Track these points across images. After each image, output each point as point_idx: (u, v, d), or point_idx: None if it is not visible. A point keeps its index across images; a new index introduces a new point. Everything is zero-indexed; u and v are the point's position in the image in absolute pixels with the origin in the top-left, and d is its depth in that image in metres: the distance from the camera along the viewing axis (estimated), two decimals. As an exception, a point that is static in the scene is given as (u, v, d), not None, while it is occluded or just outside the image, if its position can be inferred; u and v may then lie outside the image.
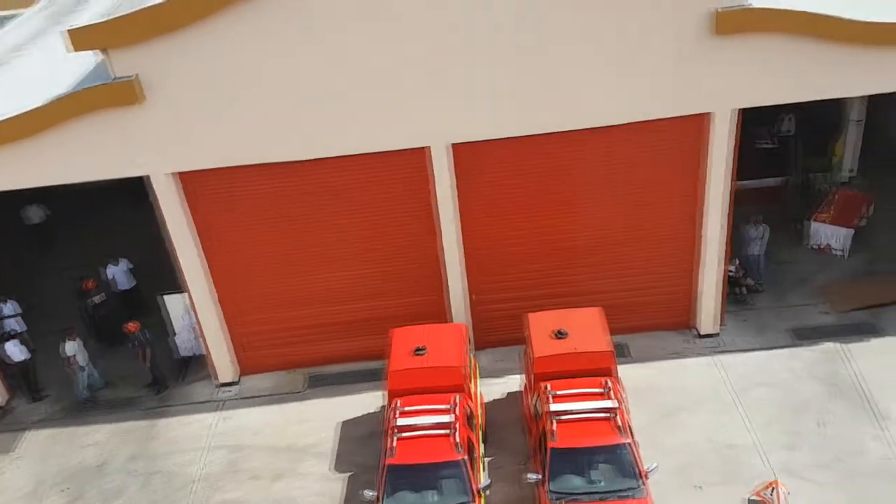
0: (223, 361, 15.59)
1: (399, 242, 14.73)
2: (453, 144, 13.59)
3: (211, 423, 15.09)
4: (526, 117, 13.22)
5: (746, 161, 18.94)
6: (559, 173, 14.18)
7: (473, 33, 12.43)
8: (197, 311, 14.98)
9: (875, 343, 14.83)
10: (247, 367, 15.91)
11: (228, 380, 15.76)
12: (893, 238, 17.13)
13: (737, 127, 13.53)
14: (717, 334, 15.52)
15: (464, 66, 12.69)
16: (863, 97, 17.50)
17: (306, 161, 13.55)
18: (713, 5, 12.10)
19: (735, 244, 15.80)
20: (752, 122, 18.80)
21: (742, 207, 16.61)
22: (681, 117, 13.40)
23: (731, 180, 14.19)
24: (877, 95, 15.95)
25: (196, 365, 16.20)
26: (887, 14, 12.50)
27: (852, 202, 17.43)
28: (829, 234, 16.96)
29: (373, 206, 14.33)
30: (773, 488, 12.01)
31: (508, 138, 13.52)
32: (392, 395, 12.83)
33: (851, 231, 16.83)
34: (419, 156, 13.70)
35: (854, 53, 12.52)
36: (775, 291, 16.35)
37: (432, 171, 13.78)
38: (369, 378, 15.09)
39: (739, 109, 13.30)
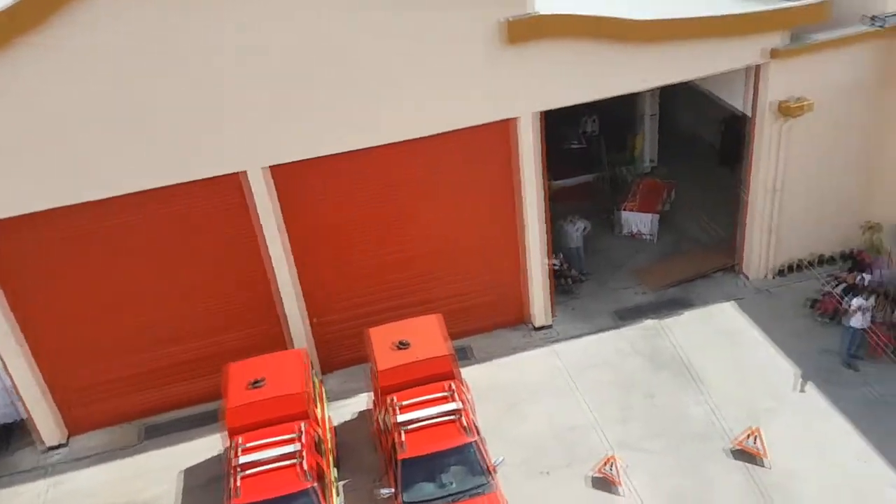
0: (47, 423, 14.40)
1: (226, 274, 14.27)
2: (271, 167, 13.40)
3: (41, 491, 13.88)
4: (341, 134, 13.29)
5: (560, 162, 20.31)
6: (385, 187, 14.36)
7: (279, 49, 12.33)
8: (10, 372, 13.75)
9: (687, 315, 16.18)
10: (75, 425, 14.77)
11: (55, 442, 14.57)
12: (693, 218, 18.80)
13: (541, 129, 14.33)
14: (550, 325, 16.31)
15: (270, 84, 12.55)
16: (654, 93, 19.14)
17: (105, 200, 12.82)
18: (504, 15, 12.78)
19: (557, 239, 16.78)
20: (561, 124, 20.15)
21: (560, 204, 17.69)
22: (490, 124, 13.98)
23: (543, 180, 14.99)
24: (667, 91, 17.58)
25: (20, 431, 14.85)
26: (666, 12, 13.74)
27: (655, 190, 18.98)
28: (638, 221, 18.35)
29: (191, 239, 13.79)
30: (611, 463, 12.78)
31: (328, 156, 13.52)
32: (232, 434, 12.36)
33: (657, 216, 18.29)
34: (233, 182, 13.37)
35: (639, 51, 13.65)
36: (597, 279, 17.43)
37: (251, 196, 13.50)
38: (210, 420, 14.44)
39: (541, 112, 14.11)
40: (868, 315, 13.88)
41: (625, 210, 18.49)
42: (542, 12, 12.83)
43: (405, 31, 12.67)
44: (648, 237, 18.39)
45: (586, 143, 20.24)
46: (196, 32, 11.92)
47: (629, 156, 20.43)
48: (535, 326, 16.25)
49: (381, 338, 13.59)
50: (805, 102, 14.38)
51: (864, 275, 14.78)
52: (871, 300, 13.86)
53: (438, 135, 13.77)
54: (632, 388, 14.66)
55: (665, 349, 15.43)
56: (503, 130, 14.21)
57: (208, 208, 13.59)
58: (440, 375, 13.03)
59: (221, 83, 12.34)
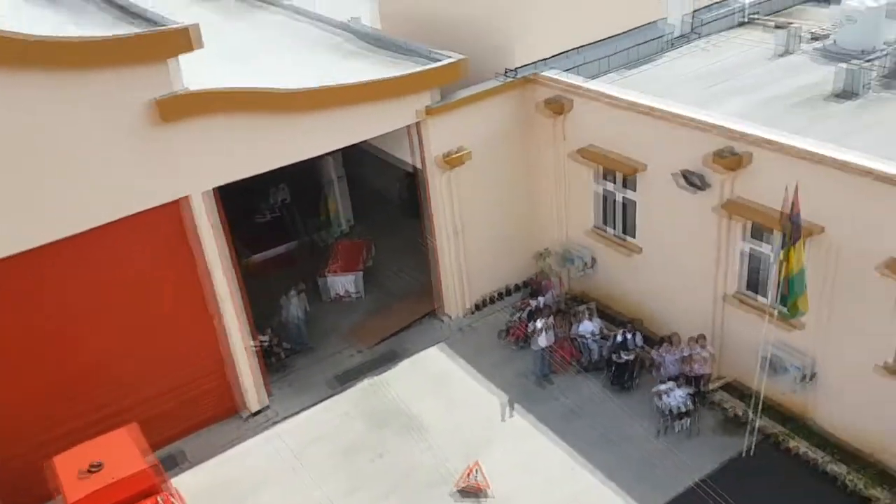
0: None
1: None
2: None
3: None
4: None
5: (256, 234, 19.90)
6: (55, 291, 12.81)
7: None
8: None
9: (401, 366, 16.50)
10: None
11: None
12: (395, 271, 19.40)
13: (218, 206, 13.81)
14: (267, 407, 15.61)
15: None
16: (336, 156, 19.56)
17: None
18: (152, 95, 12.16)
19: (275, 313, 16.60)
20: (252, 195, 19.76)
21: (264, 278, 17.44)
22: (159, 207, 13.17)
23: (233, 257, 14.42)
24: (351, 151, 18.03)
25: None
26: (325, 79, 14.06)
27: (354, 249, 19.30)
28: (343, 283, 18.46)
29: None
30: (475, 470, 13.14)
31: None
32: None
33: (360, 274, 18.54)
34: None
35: (298, 120, 13.79)
36: (312, 347, 17.14)
37: None
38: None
39: (213, 189, 13.60)
40: (550, 333, 15.23)
41: (328, 274, 18.50)
42: (192, 89, 12.42)
43: (46, 119, 11.49)
44: (355, 296, 18.56)
45: (279, 212, 20.04)
46: None
47: (324, 220, 20.61)
48: (252, 412, 15.42)
49: (68, 464, 11.93)
50: (464, 152, 15.61)
51: (540, 298, 16.26)
52: (550, 320, 15.24)
53: (101, 227, 12.60)
54: (358, 452, 14.47)
55: (386, 405, 15.51)
56: (175, 212, 13.44)
57: None
58: (144, 492, 11.74)
59: None
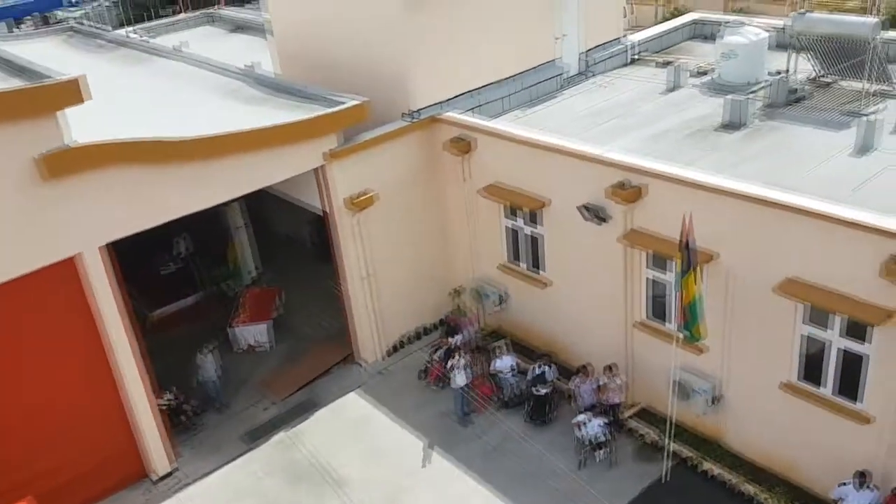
0: None
1: None
2: None
3: None
4: None
5: (160, 287, 19.14)
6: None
7: None
8: None
9: (317, 416, 16.00)
10: None
11: None
12: (307, 318, 18.96)
13: (113, 261, 13.17)
14: (175, 469, 14.81)
15: None
16: (239, 203, 19.08)
17: None
18: (37, 151, 11.53)
19: (192, 374, 16.01)
20: (154, 247, 19.01)
21: (171, 332, 16.73)
22: (50, 266, 12.42)
23: (130, 314, 13.73)
24: (259, 197, 17.61)
25: None
26: (223, 125, 13.71)
27: (263, 298, 18.77)
28: (252, 333, 17.87)
29: None
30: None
31: None
32: None
33: (269, 323, 18.00)
34: None
35: (197, 168, 13.41)
36: (227, 405, 16.43)
37: None
38: None
39: (108, 245, 12.97)
40: (467, 371, 15.15)
41: (235, 325, 17.88)
42: (80, 142, 11.87)
43: None
44: (266, 347, 17.99)
45: (182, 263, 19.33)
46: None
47: (231, 269, 20.01)
48: (160, 476, 14.60)
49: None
50: (370, 194, 15.51)
51: (455, 337, 16.19)
52: (466, 358, 15.17)
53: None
54: (273, 512, 13.91)
55: (301, 459, 14.97)
56: (68, 270, 12.73)
57: None
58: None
59: None
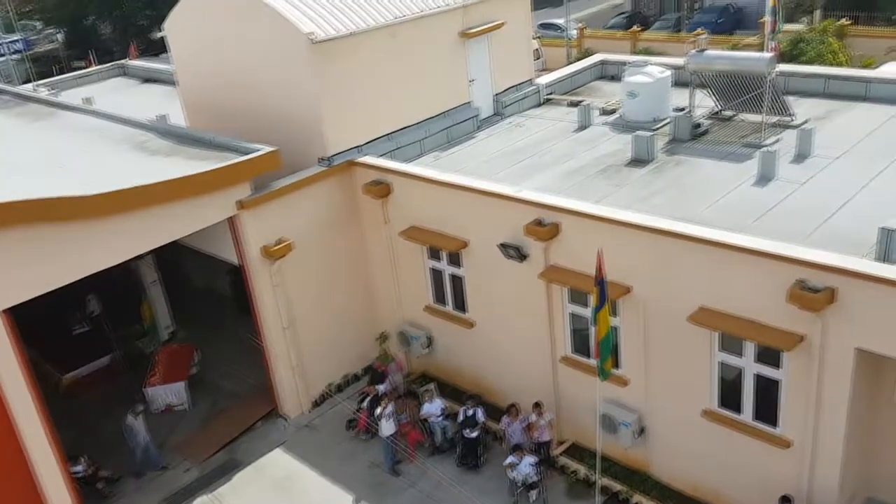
0: None
1: None
2: None
3: None
4: None
5: (69, 350, 18.21)
6: None
7: None
8: None
9: (238, 477, 15.30)
10: None
11: None
12: (226, 374, 18.27)
13: (10, 327, 12.40)
14: (87, 546, 13.95)
15: None
16: (149, 259, 18.40)
17: None
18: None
19: (125, 436, 15.28)
20: (62, 308, 18.12)
21: (83, 395, 16.26)
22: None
23: (32, 381, 12.91)
24: (172, 250, 17.03)
25: None
26: (122, 182, 13.20)
27: (179, 356, 18.01)
28: (167, 393, 17.08)
29: None
30: None
31: None
32: None
33: (182, 384, 17.23)
34: None
35: (96, 225, 12.87)
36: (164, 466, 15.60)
37: None
38: None
39: (5, 310, 12.23)
40: (393, 420, 14.82)
41: (150, 386, 17.08)
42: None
43: None
44: (182, 407, 17.21)
45: (95, 322, 18.44)
46: None
47: (145, 326, 19.21)
48: (69, 553, 13.68)
49: None
50: (285, 243, 15.19)
51: (378, 386, 15.87)
52: (391, 406, 14.84)
53: None
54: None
55: (218, 523, 14.32)
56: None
57: None
58: None
59: None
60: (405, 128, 17.24)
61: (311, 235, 15.83)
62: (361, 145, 16.41)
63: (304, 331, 16.24)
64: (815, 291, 10.31)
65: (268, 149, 14.81)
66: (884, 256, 10.86)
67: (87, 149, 16.69)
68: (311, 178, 15.61)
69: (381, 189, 15.65)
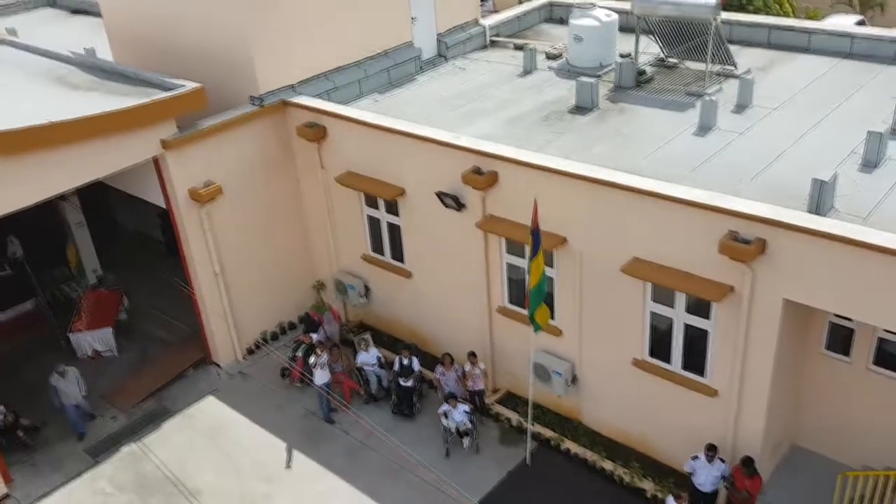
0: None
1: None
2: None
3: None
4: None
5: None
6: None
7: None
8: None
9: (168, 425, 15.00)
10: None
11: None
12: (156, 320, 17.74)
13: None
14: (7, 495, 13.50)
15: None
16: (72, 200, 17.55)
17: None
18: None
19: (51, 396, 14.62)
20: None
21: (7, 342, 15.66)
22: None
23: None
24: (99, 192, 16.23)
25: None
26: (38, 117, 12.39)
27: (106, 301, 17.37)
28: (94, 339, 16.51)
29: None
30: None
31: None
32: None
33: (108, 330, 16.65)
34: None
35: (14, 161, 12.13)
36: (64, 419, 15.07)
37: None
38: None
39: None
40: (326, 370, 14.59)
41: (75, 331, 16.47)
42: None
43: None
44: (110, 353, 16.68)
45: (13, 267, 17.59)
46: None
47: (71, 270, 18.44)
48: (-12, 507, 13.29)
49: None
50: (214, 186, 14.57)
51: (313, 334, 15.57)
52: (325, 356, 14.58)
53: None
54: (120, 532, 12.90)
55: (151, 473, 13.97)
56: None
57: None
58: None
59: None
60: (342, 67, 16.53)
61: (242, 179, 15.22)
62: (295, 84, 15.71)
63: (236, 277, 15.77)
64: (745, 243, 10.28)
65: (192, 85, 14.04)
66: (816, 208, 10.87)
67: (2, 81, 15.62)
68: (242, 119, 14.90)
69: (316, 132, 15.05)
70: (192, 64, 15.37)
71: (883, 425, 11.55)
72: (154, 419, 15.12)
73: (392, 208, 15.13)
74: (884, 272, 9.48)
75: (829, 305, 10.50)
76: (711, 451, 11.72)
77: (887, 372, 11.44)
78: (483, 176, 12.94)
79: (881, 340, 11.36)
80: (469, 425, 13.82)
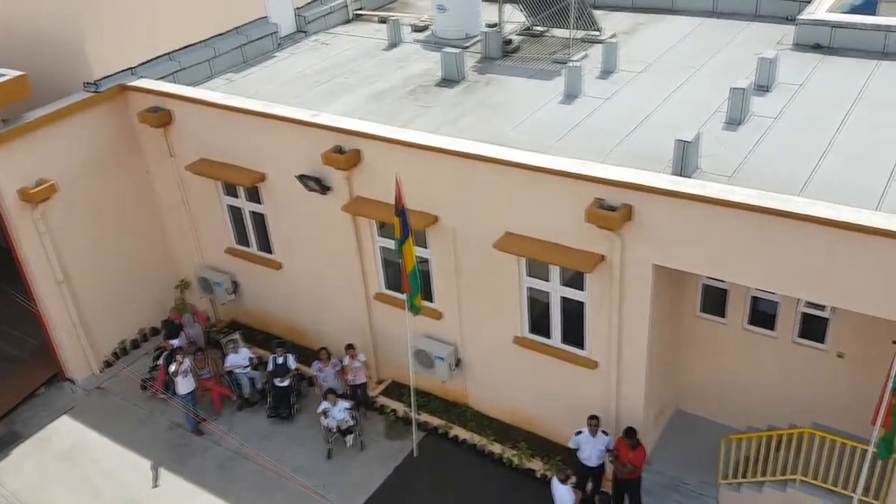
0: None
1: None
2: None
3: None
4: None
5: None
6: None
7: None
8: None
9: (18, 451, 13.53)
10: None
11: None
12: (1, 332, 15.99)
13: None
14: None
15: None
16: None
17: None
18: None
19: None
20: None
21: None
22: None
23: None
24: None
25: None
26: None
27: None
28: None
29: None
30: None
31: None
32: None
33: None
34: None
35: None
36: None
37: None
38: None
39: None
40: (191, 376, 13.43)
41: None
42: None
43: None
44: (-55, 379, 14.90)
45: None
46: None
47: None
48: None
49: None
50: (47, 184, 13.05)
51: (173, 340, 14.34)
52: (187, 362, 13.40)
53: None
54: (-39, 578, 11.42)
55: (-1, 506, 12.54)
56: None
57: None
58: None
59: None
60: (189, 46, 15.22)
61: (82, 174, 13.76)
62: (136, 66, 14.31)
63: (84, 283, 14.30)
64: (612, 209, 9.92)
65: (13, 73, 12.45)
66: (680, 169, 10.65)
67: None
68: (75, 107, 13.39)
69: (159, 117, 13.71)
70: (15, 50, 13.69)
71: (762, 384, 11.61)
72: (3, 446, 13.59)
73: (254, 196, 14.05)
74: (750, 229, 9.31)
75: (699, 268, 10.32)
76: (594, 419, 11.39)
77: (762, 330, 11.46)
78: (344, 155, 12.09)
79: (755, 300, 11.35)
80: (351, 422, 13.06)
